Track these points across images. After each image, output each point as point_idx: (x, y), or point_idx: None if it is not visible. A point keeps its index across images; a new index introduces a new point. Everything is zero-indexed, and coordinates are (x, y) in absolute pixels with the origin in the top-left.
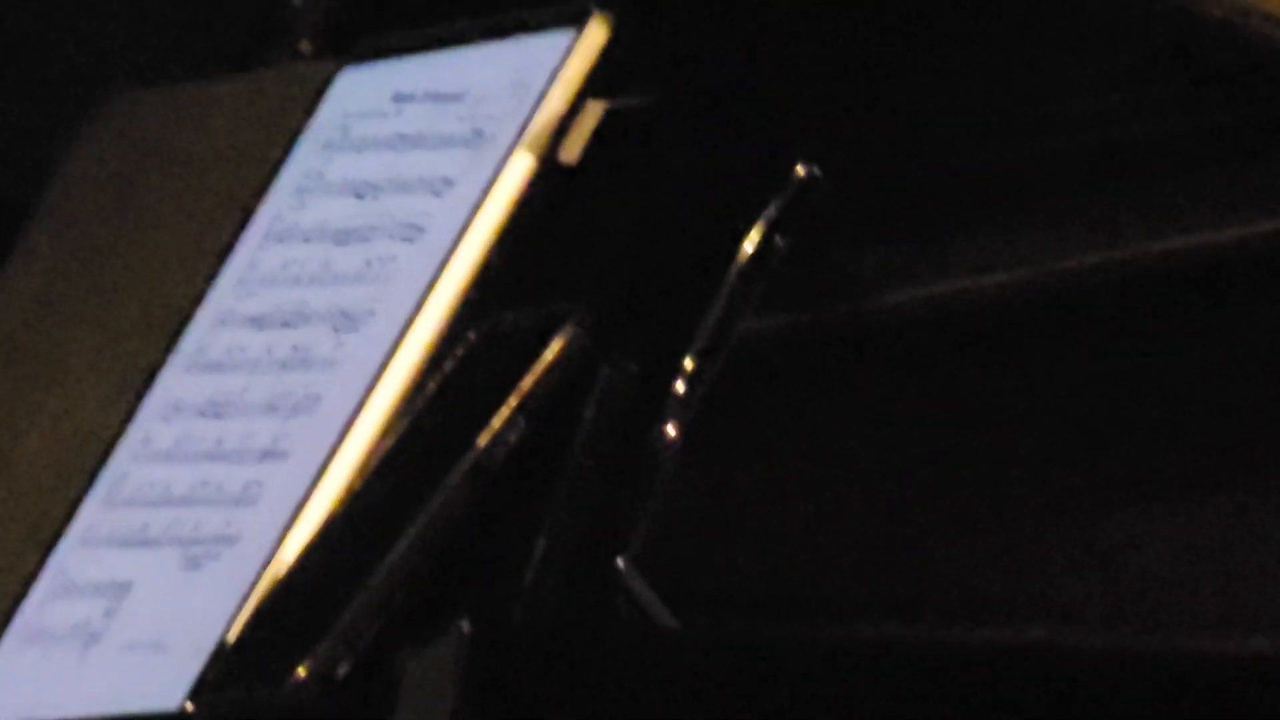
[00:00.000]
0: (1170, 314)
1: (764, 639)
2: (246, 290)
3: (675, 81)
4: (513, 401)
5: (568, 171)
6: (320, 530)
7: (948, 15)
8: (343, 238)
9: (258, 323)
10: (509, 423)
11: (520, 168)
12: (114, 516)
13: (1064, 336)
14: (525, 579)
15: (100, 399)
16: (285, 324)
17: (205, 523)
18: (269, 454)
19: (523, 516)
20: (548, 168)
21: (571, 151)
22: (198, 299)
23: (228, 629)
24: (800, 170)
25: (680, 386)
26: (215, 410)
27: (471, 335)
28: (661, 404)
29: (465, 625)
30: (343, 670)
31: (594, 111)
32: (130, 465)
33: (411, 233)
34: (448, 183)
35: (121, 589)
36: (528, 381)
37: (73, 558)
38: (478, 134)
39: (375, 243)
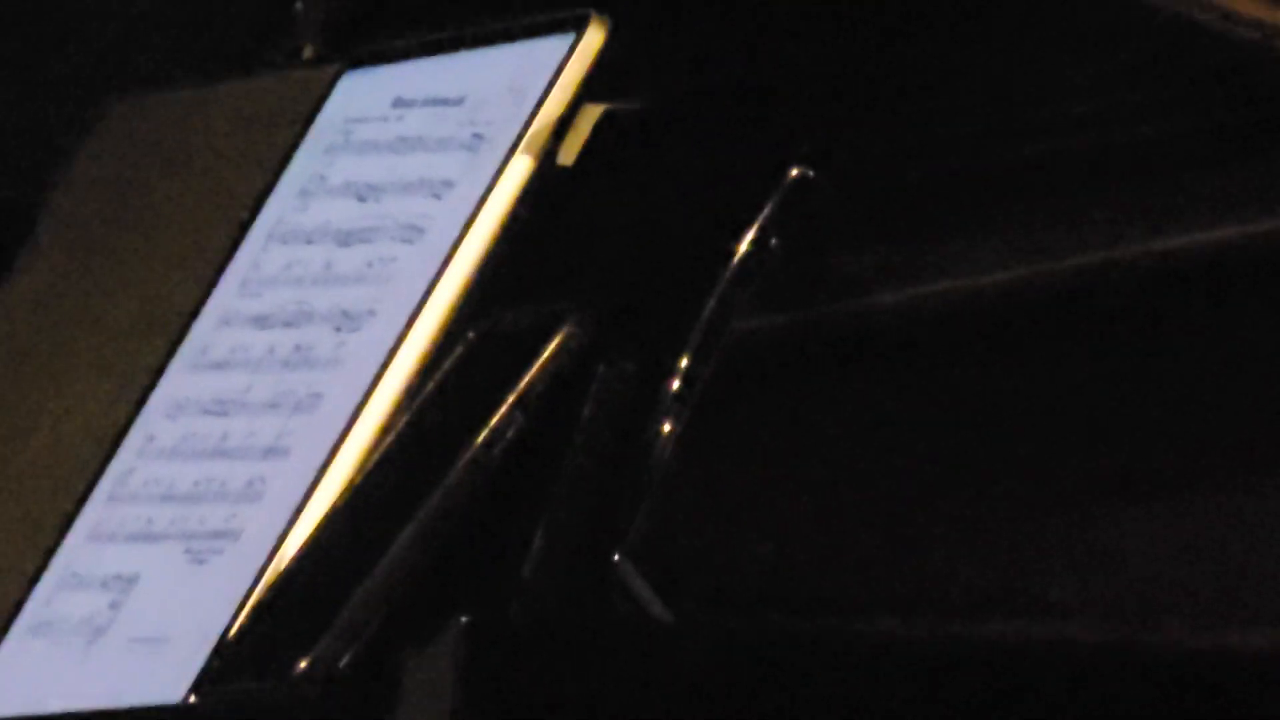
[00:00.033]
0: (1168, 313)
1: (759, 634)
2: (250, 290)
3: (671, 85)
4: (511, 399)
5: (565, 174)
6: (322, 526)
7: (946, 16)
8: (344, 239)
9: (261, 322)
10: (508, 420)
11: (519, 170)
12: (119, 512)
13: (1062, 336)
14: (524, 574)
15: (106, 397)
16: (288, 324)
17: (209, 518)
18: (272, 451)
19: (521, 512)
20: (546, 170)
21: (569, 154)
22: (202, 299)
23: (231, 623)
24: (794, 172)
25: (676, 384)
26: (219, 408)
27: (471, 334)
28: (658, 402)
29: (464, 619)
30: (344, 664)
31: (591, 115)
32: (135, 462)
33: (412, 234)
34: (448, 185)
35: (127, 583)
36: (526, 380)
37: (79, 552)
38: (477, 137)
39: (376, 244)
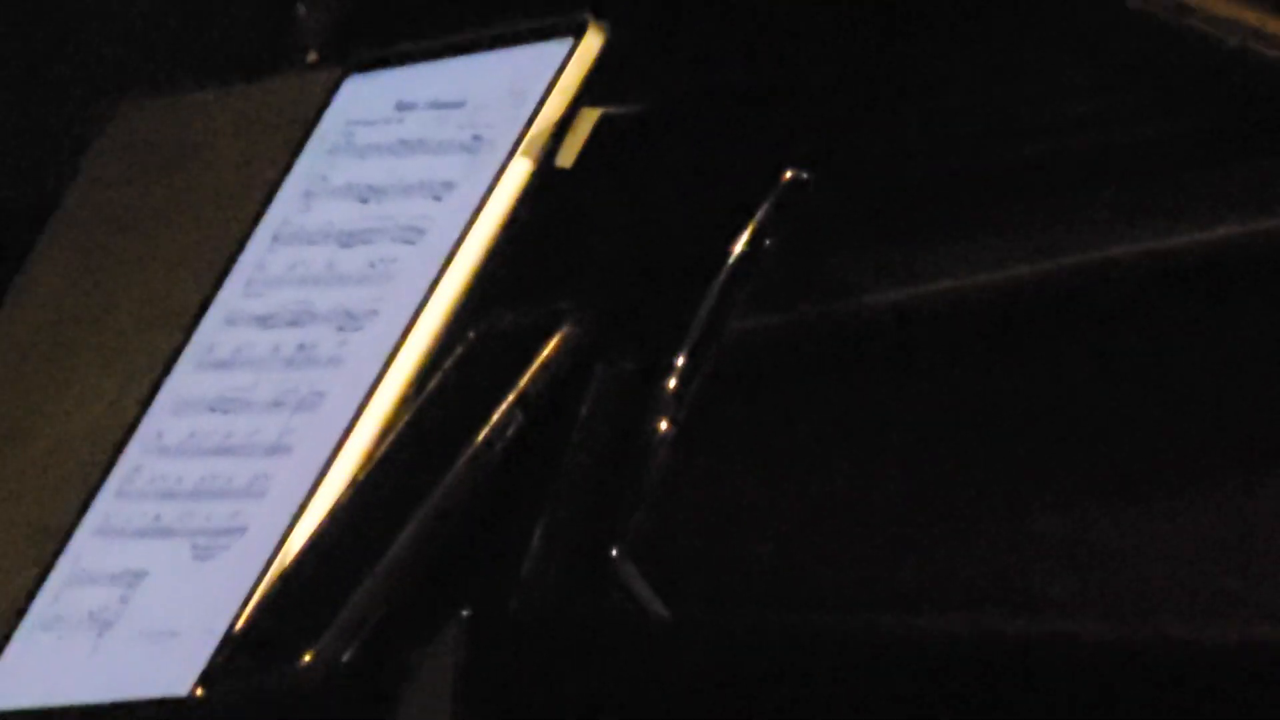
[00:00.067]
0: (1166, 312)
1: (756, 629)
2: (254, 290)
3: (669, 88)
4: (511, 398)
5: (564, 176)
6: (325, 522)
7: (944, 17)
8: (347, 240)
9: (265, 322)
10: (507, 418)
11: (518, 172)
12: (127, 508)
13: (1059, 335)
14: (523, 570)
15: (114, 395)
16: (291, 323)
17: (215, 514)
18: (276, 449)
19: (521, 509)
20: (545, 172)
21: (568, 157)
22: (207, 299)
23: (236, 617)
24: (789, 174)
25: (673, 383)
26: (224, 406)
27: (471, 334)
28: (655, 400)
29: (465, 614)
30: (347, 658)
31: (589, 118)
32: (143, 459)
33: (413, 235)
34: (448, 187)
35: (135, 578)
36: (525, 379)
37: (88, 548)
38: (477, 140)
39: (378, 245)
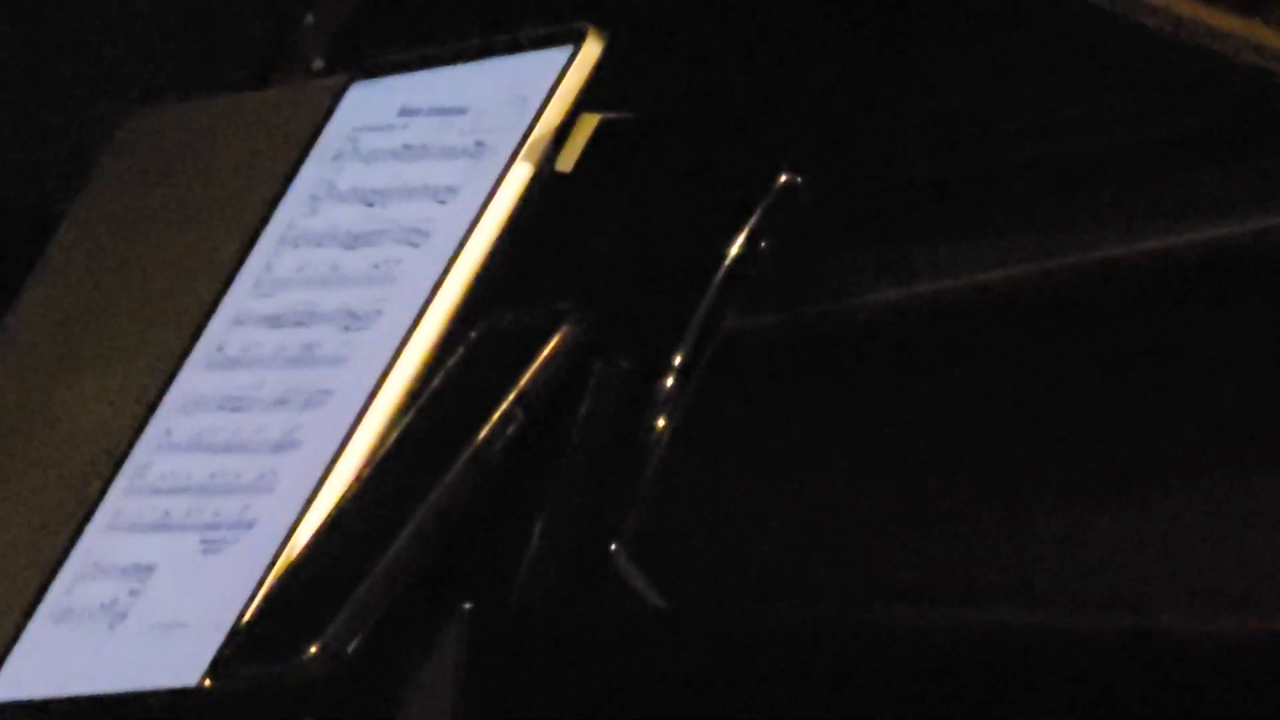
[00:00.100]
0: (1165, 313)
1: (753, 622)
2: (262, 291)
3: (665, 94)
4: (512, 396)
5: (564, 180)
6: (331, 517)
7: (944, 19)
8: (352, 242)
9: (272, 322)
10: (508, 416)
11: (519, 176)
12: (138, 503)
13: (1058, 335)
14: (524, 564)
15: (125, 393)
16: (298, 323)
17: (223, 509)
18: (283, 445)
19: (521, 505)
20: (545, 176)
21: (568, 161)
22: (217, 299)
23: (244, 609)
24: (783, 178)
25: (670, 382)
26: (233, 404)
27: (473, 334)
28: (653, 399)
29: (467, 607)
30: (352, 649)
31: (589, 123)
32: (153, 455)
33: (417, 238)
34: (451, 191)
35: (145, 571)
36: (526, 377)
37: (99, 542)
38: (479, 145)
39: (383, 247)
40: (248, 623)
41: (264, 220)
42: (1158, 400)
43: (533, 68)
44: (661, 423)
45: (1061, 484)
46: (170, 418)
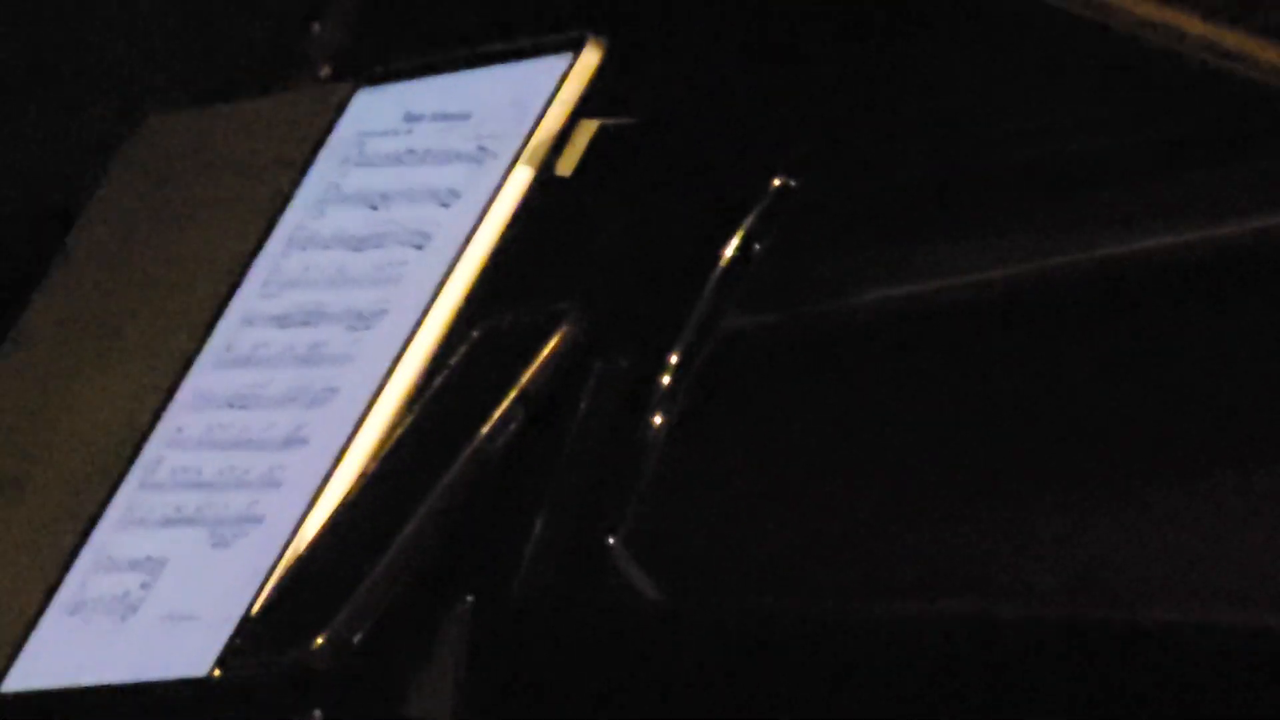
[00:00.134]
0: (1165, 313)
1: (749, 614)
2: (270, 292)
3: (663, 96)
4: (513, 394)
5: (563, 184)
6: (337, 511)
7: (944, 20)
8: (358, 244)
9: (280, 322)
10: (509, 413)
11: (520, 180)
12: (149, 498)
13: (1057, 335)
14: (524, 557)
15: (137, 390)
16: (305, 323)
17: (232, 504)
18: (290, 442)
19: (522, 500)
20: (545, 180)
21: (567, 166)
22: (226, 300)
23: (253, 602)
24: (777, 182)
25: (667, 380)
26: (241, 402)
27: (475, 333)
28: (650, 396)
29: (469, 599)
30: (357, 640)
31: (588, 129)
32: (164, 452)
33: (420, 240)
34: (454, 194)
35: (156, 565)
36: (526, 375)
37: (112, 536)
38: (482, 150)
39: (387, 249)
40: (256, 615)
41: (272, 222)
42: (1158, 400)
43: (533, 75)
44: (659, 420)
45: (1061, 484)
46: (181, 415)
